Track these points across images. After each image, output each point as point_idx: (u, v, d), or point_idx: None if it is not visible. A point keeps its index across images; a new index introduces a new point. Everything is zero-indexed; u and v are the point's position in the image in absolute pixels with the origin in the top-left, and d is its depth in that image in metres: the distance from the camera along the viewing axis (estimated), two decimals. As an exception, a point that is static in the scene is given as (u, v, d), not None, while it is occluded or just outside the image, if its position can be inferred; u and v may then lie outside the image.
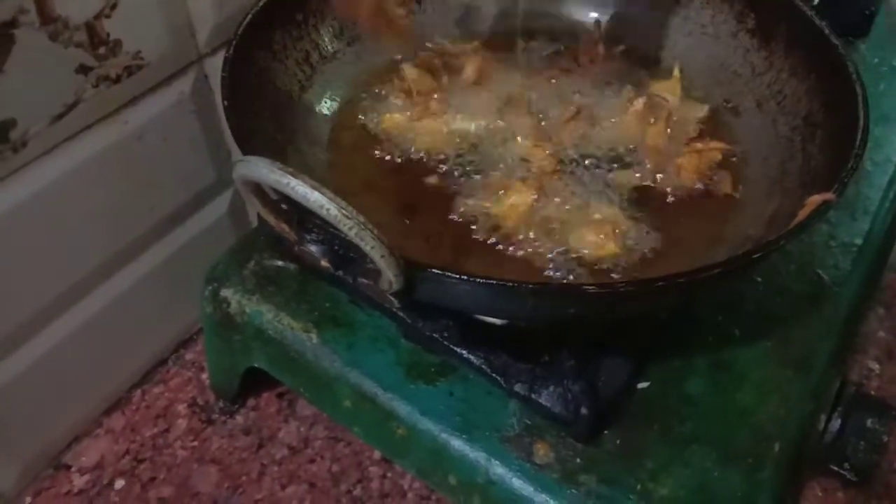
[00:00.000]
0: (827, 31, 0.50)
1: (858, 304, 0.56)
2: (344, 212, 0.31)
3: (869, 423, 0.51)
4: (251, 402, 0.65)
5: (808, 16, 0.51)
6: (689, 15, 0.60)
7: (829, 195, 0.40)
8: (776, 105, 0.53)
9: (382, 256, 0.33)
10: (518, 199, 0.49)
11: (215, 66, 0.58)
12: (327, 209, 0.31)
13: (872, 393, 0.65)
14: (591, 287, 0.36)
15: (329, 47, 0.56)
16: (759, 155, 0.52)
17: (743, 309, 0.53)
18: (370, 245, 0.32)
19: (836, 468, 0.52)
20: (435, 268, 0.35)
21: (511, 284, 0.36)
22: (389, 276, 0.34)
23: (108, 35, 0.50)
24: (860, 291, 0.56)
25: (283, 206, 0.41)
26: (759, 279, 0.54)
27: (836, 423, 0.51)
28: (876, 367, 0.68)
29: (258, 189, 0.36)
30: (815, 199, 0.41)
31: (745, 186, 0.51)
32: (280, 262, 0.55)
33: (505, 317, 0.46)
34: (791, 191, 0.47)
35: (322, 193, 0.31)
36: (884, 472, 0.60)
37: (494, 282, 0.36)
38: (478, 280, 0.35)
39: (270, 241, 0.56)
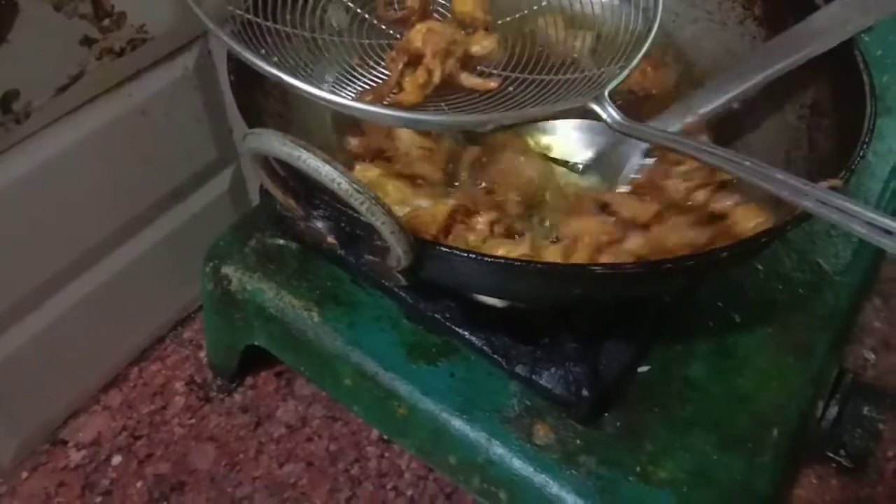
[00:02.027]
0: (835, 20, 0.50)
1: (859, 293, 0.56)
2: (355, 186, 0.31)
3: (866, 410, 0.52)
4: (249, 380, 0.65)
5: (814, 4, 0.51)
6: (696, 1, 0.59)
7: (835, 181, 0.40)
8: (783, 93, 0.53)
9: (393, 232, 0.33)
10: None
11: (220, 41, 0.58)
12: (339, 183, 0.31)
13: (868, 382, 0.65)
14: (597, 268, 0.36)
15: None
16: (765, 143, 0.52)
17: (744, 296, 0.53)
18: (381, 220, 0.32)
19: (831, 455, 0.52)
20: (445, 245, 0.35)
21: (519, 264, 0.36)
22: (399, 253, 0.34)
23: (113, 7, 0.50)
24: (860, 281, 0.56)
25: (291, 183, 0.40)
26: (760, 267, 0.54)
27: (833, 411, 0.52)
28: (872, 356, 0.69)
29: (266, 163, 0.36)
30: (821, 186, 0.40)
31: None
32: (282, 241, 0.55)
33: (510, 297, 0.46)
34: (797, 178, 0.47)
35: (334, 167, 0.31)
36: (878, 460, 0.61)
37: (503, 261, 0.36)
38: (486, 259, 0.35)
39: (272, 219, 0.56)
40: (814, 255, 0.56)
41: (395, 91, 0.44)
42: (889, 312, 0.72)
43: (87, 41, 0.49)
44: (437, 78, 0.43)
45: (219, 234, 0.57)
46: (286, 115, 0.49)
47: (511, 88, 0.45)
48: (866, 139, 0.42)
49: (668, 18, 0.60)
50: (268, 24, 0.43)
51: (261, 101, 0.48)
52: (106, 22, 0.50)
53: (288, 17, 0.45)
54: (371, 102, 0.42)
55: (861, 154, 0.41)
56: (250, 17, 0.42)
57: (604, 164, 0.50)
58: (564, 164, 0.51)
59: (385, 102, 0.43)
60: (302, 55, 0.44)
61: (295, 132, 0.49)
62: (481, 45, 0.45)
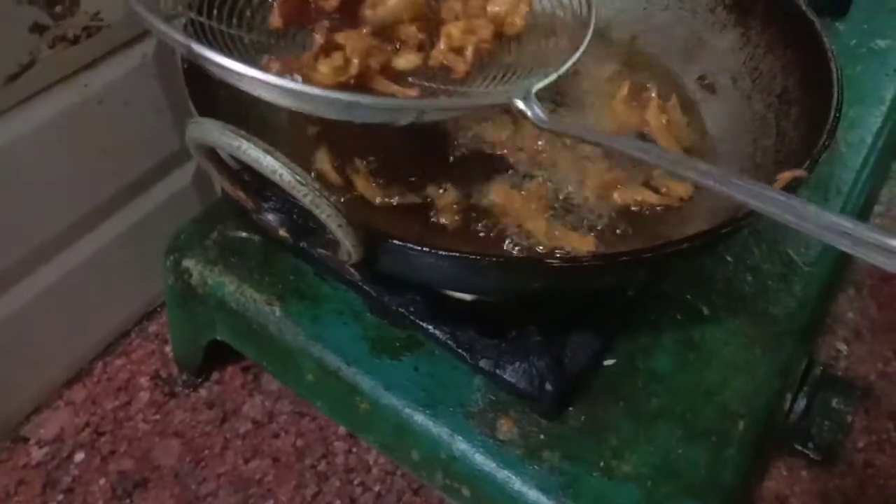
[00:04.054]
0: (803, 7, 0.49)
1: (828, 284, 0.56)
2: (298, 178, 0.30)
3: (834, 403, 0.51)
4: (215, 375, 0.64)
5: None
6: (667, -11, 0.58)
7: (800, 172, 0.39)
8: (752, 81, 0.52)
9: (339, 226, 0.32)
10: None
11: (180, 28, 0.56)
12: (280, 174, 0.30)
13: (839, 374, 0.65)
14: (554, 260, 0.35)
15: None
16: (733, 131, 0.51)
17: (712, 287, 0.52)
18: (326, 213, 0.31)
19: (800, 447, 0.52)
20: (396, 238, 0.34)
21: (474, 257, 0.35)
22: (348, 247, 0.33)
23: (65, -7, 0.48)
24: (830, 272, 0.56)
25: (243, 175, 0.39)
26: (729, 258, 0.54)
27: (801, 403, 0.51)
28: (844, 347, 0.68)
29: (213, 154, 0.35)
30: (785, 176, 0.40)
31: (718, 163, 0.51)
32: (244, 233, 0.54)
33: (468, 290, 0.45)
34: (764, 168, 0.47)
35: (275, 158, 0.30)
36: (847, 451, 0.61)
37: (457, 254, 0.35)
38: (440, 252, 0.34)
39: (235, 212, 0.54)
40: (784, 246, 0.55)
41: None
42: (862, 303, 0.71)
43: (38, 28, 0.48)
44: (354, 68, 0.41)
45: (181, 226, 0.56)
46: (243, 104, 0.48)
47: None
48: (832, 127, 0.42)
49: (638, 6, 0.59)
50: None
51: (217, 89, 0.47)
52: (58, 8, 0.48)
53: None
54: (280, 74, 0.39)
55: (826, 144, 0.41)
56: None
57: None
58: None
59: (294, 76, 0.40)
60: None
61: (253, 122, 0.49)
62: (406, 58, 0.44)
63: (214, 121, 0.31)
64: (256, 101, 0.50)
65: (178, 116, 0.60)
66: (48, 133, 0.52)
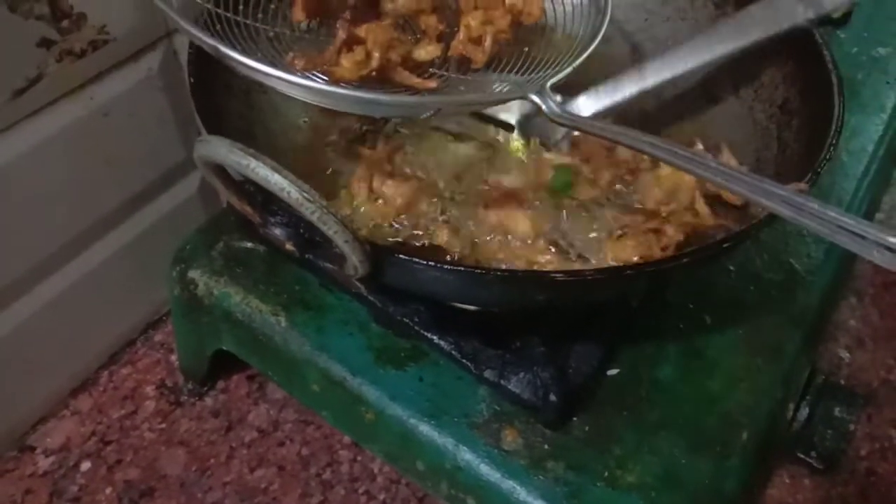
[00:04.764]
0: (805, 19, 0.49)
1: (830, 293, 0.56)
2: (306, 195, 0.30)
3: (836, 411, 0.51)
4: (221, 384, 0.65)
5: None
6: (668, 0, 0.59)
7: (801, 185, 0.40)
8: (753, 92, 0.53)
9: (346, 241, 0.32)
10: None
11: (185, 41, 0.57)
12: (288, 192, 0.30)
13: (841, 382, 0.65)
14: (558, 275, 0.35)
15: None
16: (735, 143, 0.52)
17: (715, 296, 0.52)
18: (333, 230, 0.31)
19: (803, 456, 0.52)
20: (402, 253, 0.35)
21: (479, 271, 0.35)
22: (354, 262, 0.34)
23: (72, 8, 0.48)
24: (832, 281, 0.56)
25: (250, 188, 0.40)
26: (732, 267, 0.54)
27: (804, 412, 0.51)
28: (846, 355, 0.68)
29: (220, 169, 0.35)
30: (787, 189, 0.40)
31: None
32: (249, 244, 0.54)
33: (473, 303, 0.46)
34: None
35: (283, 176, 0.30)
36: (850, 459, 0.61)
37: (462, 268, 0.35)
38: (445, 266, 0.35)
39: (240, 222, 0.55)
40: (786, 255, 0.55)
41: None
42: (864, 311, 0.71)
43: (46, 42, 0.48)
44: (375, 61, 0.42)
45: (186, 237, 0.56)
46: (249, 117, 0.49)
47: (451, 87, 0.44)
48: (833, 140, 0.42)
49: (639, 17, 0.60)
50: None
51: (223, 102, 0.48)
52: (65, 23, 0.49)
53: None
54: (304, 71, 0.41)
55: (827, 158, 0.41)
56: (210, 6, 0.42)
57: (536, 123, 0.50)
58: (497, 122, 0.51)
59: (317, 72, 0.42)
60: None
61: (258, 133, 0.49)
62: (426, 49, 0.45)
63: (222, 139, 0.31)
64: (262, 112, 0.51)
65: (183, 128, 0.61)
66: (54, 146, 0.52)
